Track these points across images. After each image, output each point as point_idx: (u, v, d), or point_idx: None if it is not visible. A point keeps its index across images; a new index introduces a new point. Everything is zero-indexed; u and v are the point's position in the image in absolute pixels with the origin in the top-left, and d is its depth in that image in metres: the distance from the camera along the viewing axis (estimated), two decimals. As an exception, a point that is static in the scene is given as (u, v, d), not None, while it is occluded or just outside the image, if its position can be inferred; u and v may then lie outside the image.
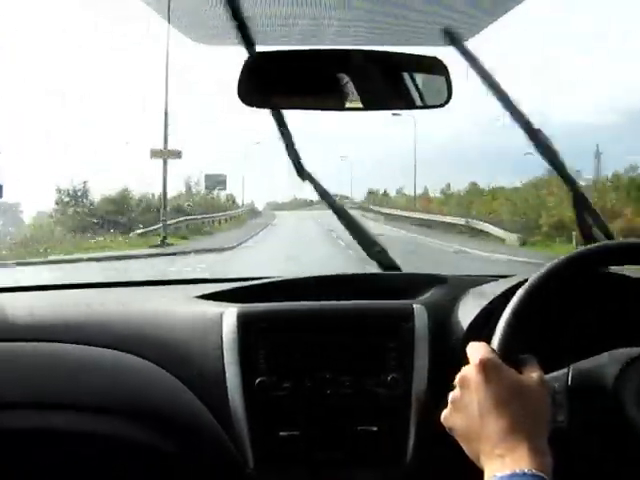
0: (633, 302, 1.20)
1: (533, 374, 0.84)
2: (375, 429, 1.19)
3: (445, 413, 0.85)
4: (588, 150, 18.96)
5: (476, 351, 0.85)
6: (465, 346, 1.09)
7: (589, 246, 0.98)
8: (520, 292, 0.92)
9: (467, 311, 1.24)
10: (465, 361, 0.87)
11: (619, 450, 0.87)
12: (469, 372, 0.83)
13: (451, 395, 0.85)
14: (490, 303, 1.18)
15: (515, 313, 0.90)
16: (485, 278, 1.43)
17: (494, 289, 1.23)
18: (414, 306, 1.28)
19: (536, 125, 1.32)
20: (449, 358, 1.20)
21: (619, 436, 0.86)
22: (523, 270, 1.45)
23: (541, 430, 0.79)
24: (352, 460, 1.20)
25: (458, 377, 0.85)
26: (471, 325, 1.20)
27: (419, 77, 1.31)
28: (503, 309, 0.92)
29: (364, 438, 1.19)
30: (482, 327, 1.00)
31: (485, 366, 0.82)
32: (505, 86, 1.28)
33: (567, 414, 0.87)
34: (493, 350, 0.86)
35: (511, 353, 0.86)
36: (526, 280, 0.95)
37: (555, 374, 0.91)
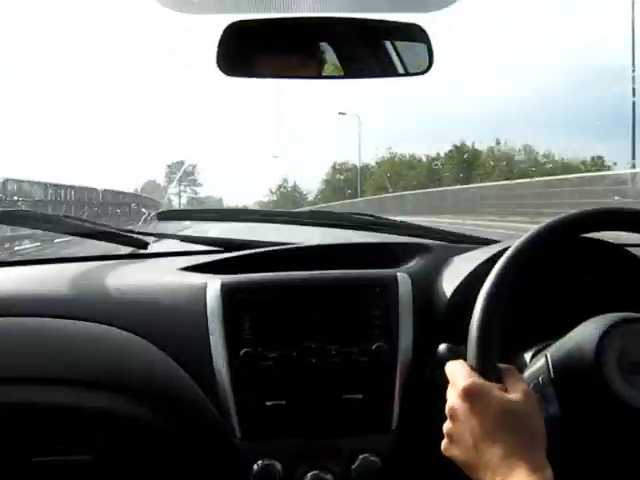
0: (611, 269, 1.21)
1: (517, 387, 0.82)
2: (361, 397, 1.20)
3: (443, 445, 0.85)
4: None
5: (456, 373, 0.84)
6: (450, 313, 1.08)
7: (570, 212, 0.98)
8: (490, 279, 0.90)
9: (451, 279, 1.25)
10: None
11: (613, 428, 0.87)
12: (455, 402, 0.82)
13: (444, 427, 0.84)
14: (473, 271, 1.19)
15: (489, 302, 0.87)
16: (469, 245, 1.43)
17: (478, 256, 1.24)
18: (398, 274, 1.29)
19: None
20: (434, 325, 1.21)
21: (610, 414, 0.86)
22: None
23: (537, 446, 0.78)
24: (338, 428, 1.21)
25: (447, 408, 0.84)
26: (455, 293, 1.21)
27: (400, 45, 1.30)
28: (486, 276, 0.91)
29: (350, 406, 1.20)
30: (465, 295, 1.00)
31: (469, 394, 0.80)
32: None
33: (558, 405, 0.86)
34: (471, 367, 0.84)
35: (490, 364, 0.84)
36: (509, 247, 0.94)
37: (535, 367, 0.91)
